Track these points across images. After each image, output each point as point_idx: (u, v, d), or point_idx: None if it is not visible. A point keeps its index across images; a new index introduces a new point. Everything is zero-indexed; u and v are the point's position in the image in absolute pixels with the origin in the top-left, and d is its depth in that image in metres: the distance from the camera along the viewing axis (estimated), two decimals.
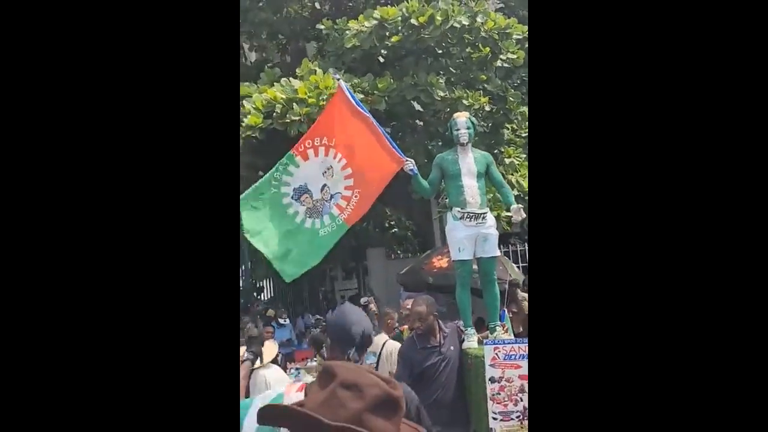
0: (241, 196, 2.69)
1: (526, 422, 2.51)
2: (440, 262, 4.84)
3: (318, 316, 5.99)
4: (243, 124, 4.50)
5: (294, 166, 2.80)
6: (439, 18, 4.83)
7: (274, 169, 2.81)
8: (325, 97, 4.53)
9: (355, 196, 2.75)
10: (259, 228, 2.78)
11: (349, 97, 2.97)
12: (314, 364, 3.85)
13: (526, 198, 4.39)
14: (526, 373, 2.40)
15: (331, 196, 2.75)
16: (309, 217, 2.77)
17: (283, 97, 4.65)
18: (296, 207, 2.77)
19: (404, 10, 4.93)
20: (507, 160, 5.28)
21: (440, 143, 5.01)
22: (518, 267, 6.05)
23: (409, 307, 2.95)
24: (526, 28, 5.66)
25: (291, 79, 4.90)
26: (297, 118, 4.54)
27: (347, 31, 5.03)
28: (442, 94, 4.80)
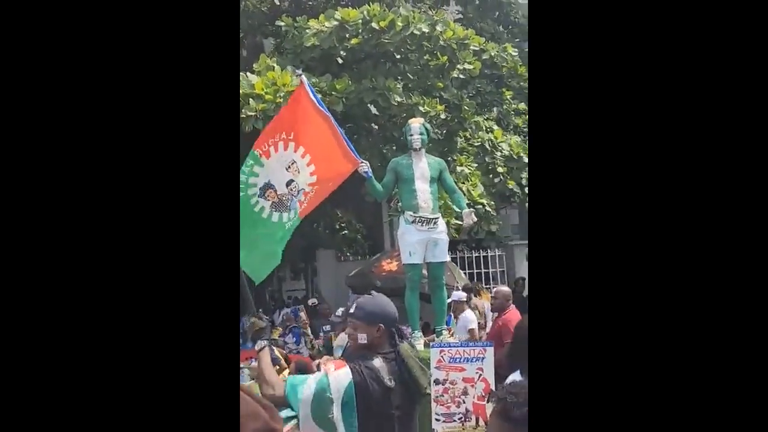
0: None
1: (467, 423, 2.59)
2: (389, 265, 4.94)
3: (265, 317, 5.97)
4: None
5: (259, 165, 2.80)
6: (399, 24, 4.94)
7: (240, 173, 2.79)
8: (282, 94, 4.47)
9: (312, 192, 2.78)
10: None
11: (311, 94, 2.99)
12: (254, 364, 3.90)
13: (474, 207, 4.56)
14: (471, 375, 2.50)
15: (298, 191, 2.77)
16: (275, 211, 2.80)
17: (239, 92, 4.52)
18: (262, 203, 2.78)
19: (365, 13, 5.00)
20: (459, 168, 5.45)
21: (395, 148, 5.10)
22: (465, 274, 6.25)
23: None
24: (483, 39, 5.92)
25: (248, 74, 4.77)
26: (252, 113, 4.43)
27: (307, 30, 4.99)
28: (399, 99, 4.90)
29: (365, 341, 1.67)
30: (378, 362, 1.63)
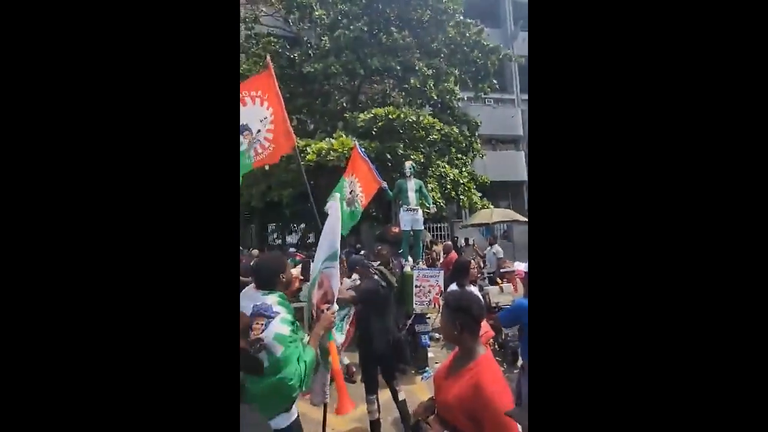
0: None
1: (430, 306, 4.71)
2: (395, 229, 10.45)
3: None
4: None
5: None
6: (401, 115, 10.42)
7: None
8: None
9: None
10: None
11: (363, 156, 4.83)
12: None
13: (434, 204, 10.10)
14: (432, 284, 4.65)
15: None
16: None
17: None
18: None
19: (386, 110, 10.46)
20: (428, 186, 11.02)
21: (398, 174, 9.64)
22: (429, 235, 12.10)
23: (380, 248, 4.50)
24: (441, 124, 11.53)
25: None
26: None
27: (360, 117, 10.43)
28: (401, 151, 10.39)
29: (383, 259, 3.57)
30: (388, 272, 3.27)
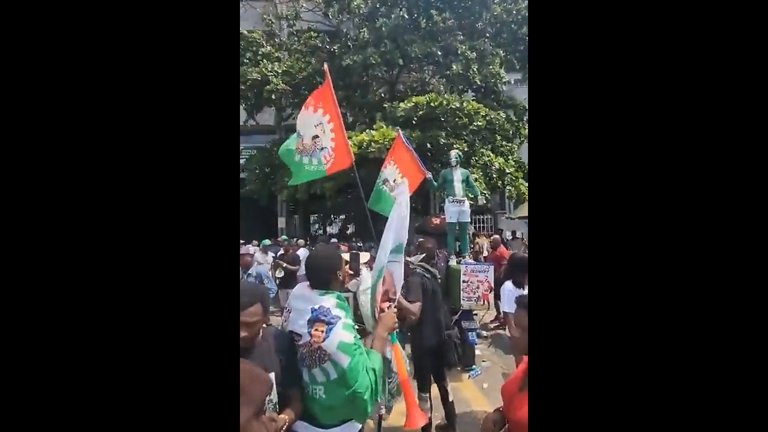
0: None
1: (478, 303, 4.45)
2: (435, 220, 10.15)
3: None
4: None
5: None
6: (444, 102, 10.06)
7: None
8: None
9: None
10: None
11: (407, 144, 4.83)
12: None
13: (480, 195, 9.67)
14: (481, 279, 4.38)
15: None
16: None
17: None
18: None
19: (428, 98, 10.15)
20: (472, 175, 10.64)
21: (440, 165, 10.10)
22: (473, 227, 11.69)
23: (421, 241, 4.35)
24: (487, 109, 11.08)
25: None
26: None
27: (400, 107, 10.21)
28: (443, 141, 10.05)
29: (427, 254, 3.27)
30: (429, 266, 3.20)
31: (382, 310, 1.96)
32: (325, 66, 3.36)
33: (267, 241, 8.71)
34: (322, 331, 1.49)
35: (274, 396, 1.46)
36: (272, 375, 1.46)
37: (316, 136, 3.28)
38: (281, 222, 16.34)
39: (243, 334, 1.38)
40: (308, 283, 1.69)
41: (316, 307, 1.55)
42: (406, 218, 2.06)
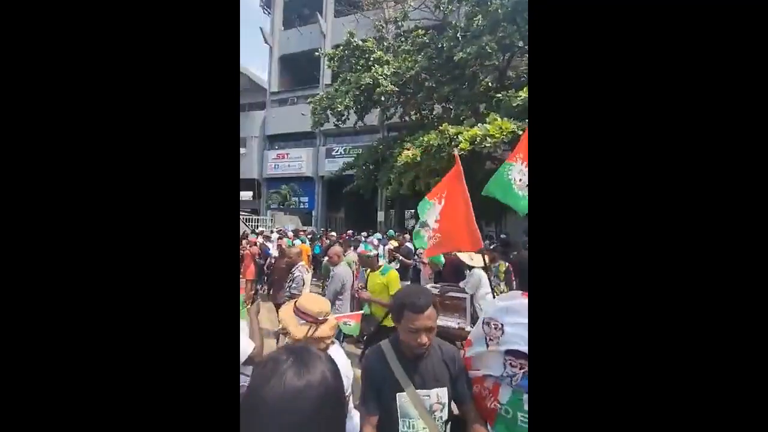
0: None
1: None
2: None
3: None
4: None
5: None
6: None
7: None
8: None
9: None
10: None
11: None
12: None
13: None
14: None
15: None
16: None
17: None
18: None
19: None
20: None
21: None
22: None
23: None
24: None
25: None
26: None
27: (517, 96, 9.33)
28: None
29: None
30: None
31: None
32: (456, 155, 3.31)
33: (378, 235, 8.67)
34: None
35: (444, 413, 1.39)
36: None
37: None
38: (380, 216, 16.63)
39: (424, 339, 1.35)
40: (521, 291, 1.51)
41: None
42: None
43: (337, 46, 14.87)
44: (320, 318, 1.61)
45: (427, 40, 12.80)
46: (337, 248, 4.32)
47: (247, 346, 1.72)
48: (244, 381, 1.17)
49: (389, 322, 3.30)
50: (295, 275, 4.32)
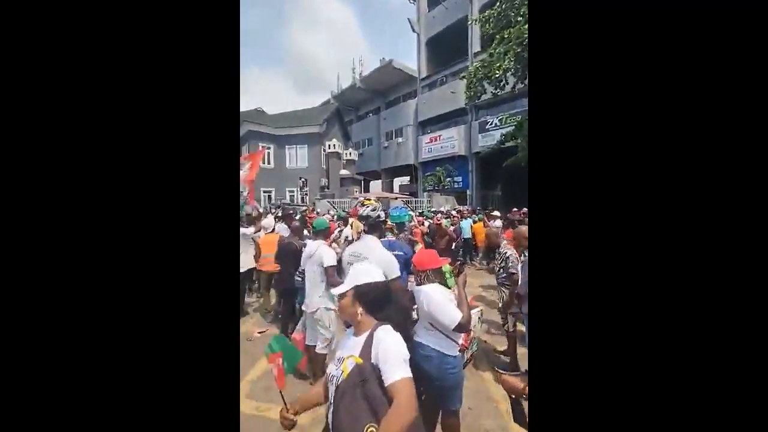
0: None
1: None
2: None
3: None
4: None
5: None
6: None
7: None
8: None
9: None
10: None
11: None
12: None
13: None
14: None
15: None
16: None
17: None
18: None
19: None
20: None
21: None
22: None
23: None
24: None
25: None
26: None
27: None
28: None
29: None
30: None
31: None
32: None
33: None
34: None
35: None
36: None
37: None
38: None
39: None
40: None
41: None
42: None
43: (485, 6, 13.54)
44: None
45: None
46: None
47: (456, 315, 1.81)
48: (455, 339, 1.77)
49: None
50: (507, 255, 3.78)
